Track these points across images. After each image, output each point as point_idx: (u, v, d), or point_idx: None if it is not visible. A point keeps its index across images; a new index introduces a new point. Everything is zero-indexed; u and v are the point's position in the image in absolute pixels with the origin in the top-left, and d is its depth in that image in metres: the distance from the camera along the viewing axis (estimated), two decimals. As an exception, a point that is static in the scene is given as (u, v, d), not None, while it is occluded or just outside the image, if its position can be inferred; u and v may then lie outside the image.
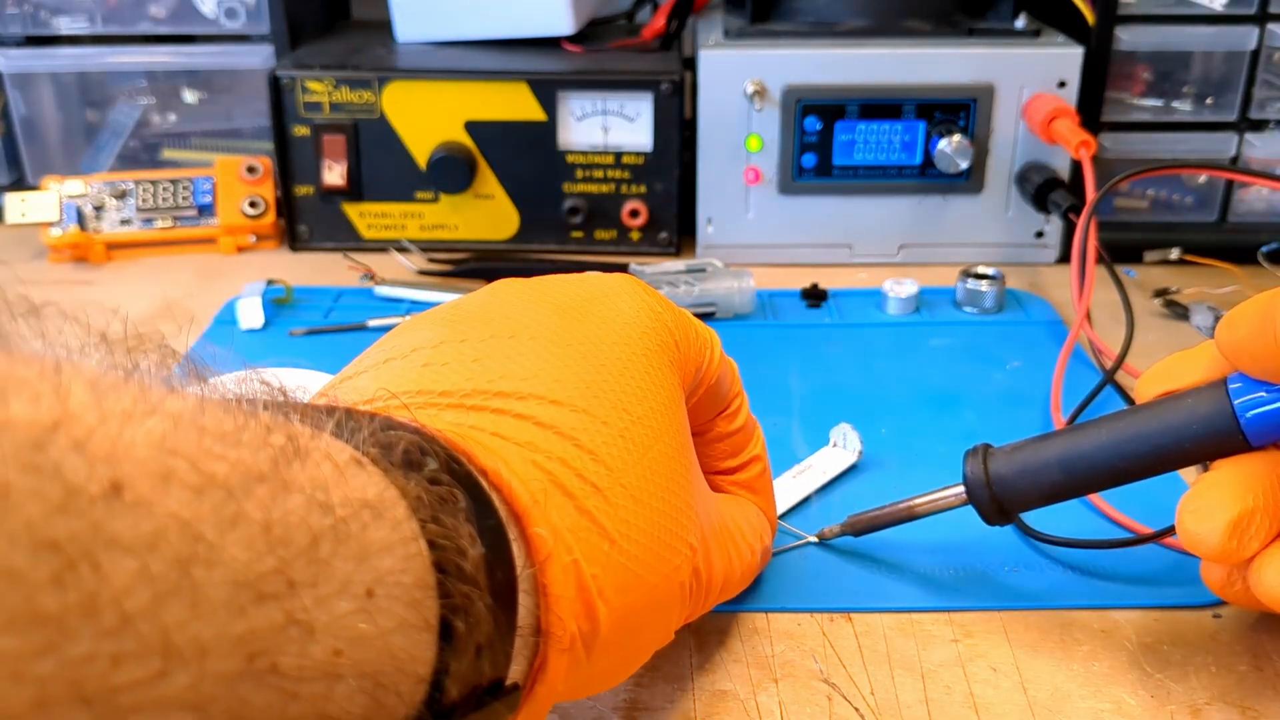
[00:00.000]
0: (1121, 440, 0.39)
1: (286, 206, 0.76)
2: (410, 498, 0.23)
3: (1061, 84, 0.71)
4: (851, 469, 0.51)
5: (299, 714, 0.20)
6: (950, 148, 0.71)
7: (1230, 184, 0.74)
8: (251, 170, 0.77)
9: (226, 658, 0.18)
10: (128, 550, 0.17)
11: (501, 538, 0.26)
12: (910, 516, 0.44)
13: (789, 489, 0.49)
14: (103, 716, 0.17)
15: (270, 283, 0.68)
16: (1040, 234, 0.75)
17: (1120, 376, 0.59)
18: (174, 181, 0.77)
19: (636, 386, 0.32)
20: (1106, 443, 0.39)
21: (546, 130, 0.74)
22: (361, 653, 0.21)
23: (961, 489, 0.41)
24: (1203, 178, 0.74)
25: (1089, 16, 0.71)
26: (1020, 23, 0.73)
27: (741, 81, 0.71)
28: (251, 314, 0.65)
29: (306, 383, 0.49)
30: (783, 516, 0.47)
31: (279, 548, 0.19)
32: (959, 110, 0.71)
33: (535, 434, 0.29)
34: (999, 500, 0.40)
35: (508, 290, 0.35)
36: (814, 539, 0.46)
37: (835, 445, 0.52)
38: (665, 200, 0.75)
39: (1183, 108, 0.74)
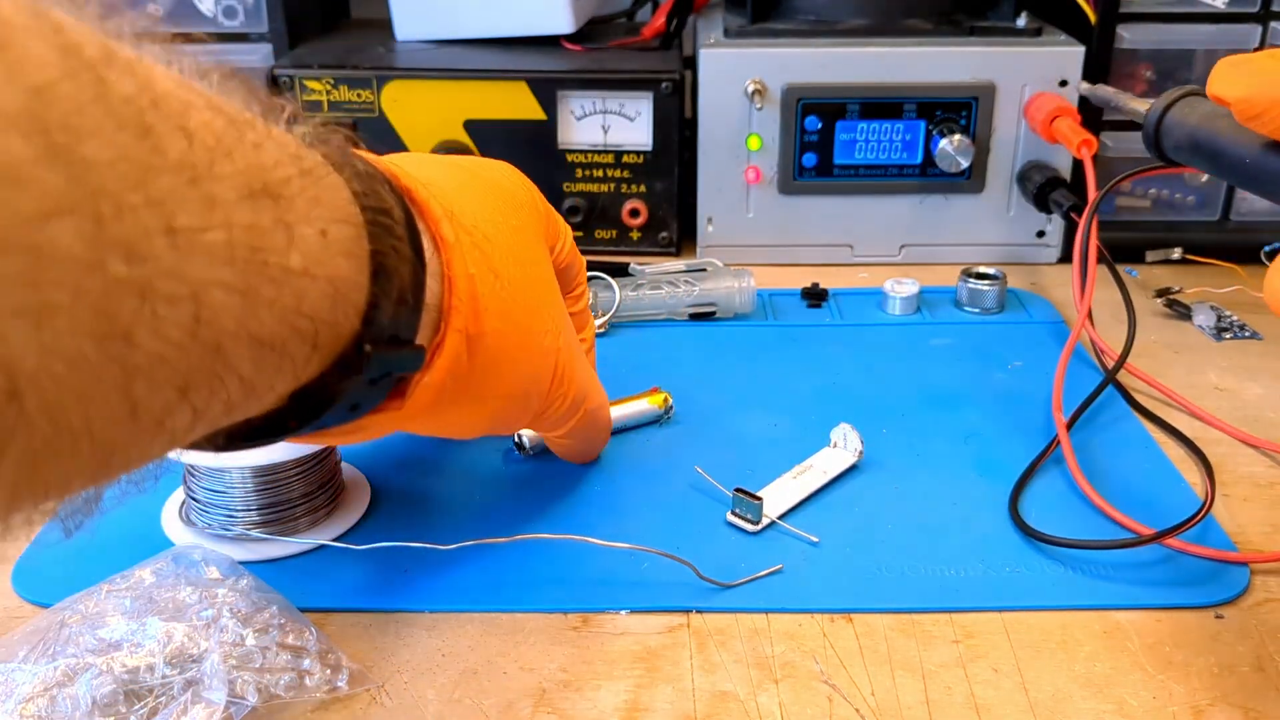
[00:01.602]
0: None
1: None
2: (347, 173, 0.29)
3: (1063, 83, 0.71)
4: (852, 469, 0.51)
5: (286, 304, 0.26)
6: (951, 147, 0.71)
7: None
8: (251, 169, 0.77)
9: (243, 236, 0.24)
10: (182, 132, 0.22)
11: (415, 228, 0.33)
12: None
13: (789, 489, 0.49)
14: (180, 247, 0.22)
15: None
16: (1041, 233, 0.75)
17: (1122, 376, 0.58)
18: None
19: (520, 219, 0.42)
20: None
21: (546, 129, 0.73)
22: (323, 269, 0.27)
23: None
24: (1204, 177, 0.74)
25: (1090, 15, 0.71)
26: (1021, 21, 0.73)
27: (742, 80, 0.71)
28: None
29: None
30: (783, 516, 0.47)
31: (268, 171, 0.25)
32: (960, 109, 0.71)
33: (447, 198, 0.36)
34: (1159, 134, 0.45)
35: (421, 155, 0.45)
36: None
37: (836, 446, 0.52)
38: (665, 200, 0.75)
39: (1184, 107, 0.74)
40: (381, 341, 0.30)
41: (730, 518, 0.47)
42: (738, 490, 0.47)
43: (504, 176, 0.45)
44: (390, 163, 0.35)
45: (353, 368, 0.30)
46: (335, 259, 0.28)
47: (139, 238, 0.21)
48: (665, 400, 0.55)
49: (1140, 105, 0.45)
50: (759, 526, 0.47)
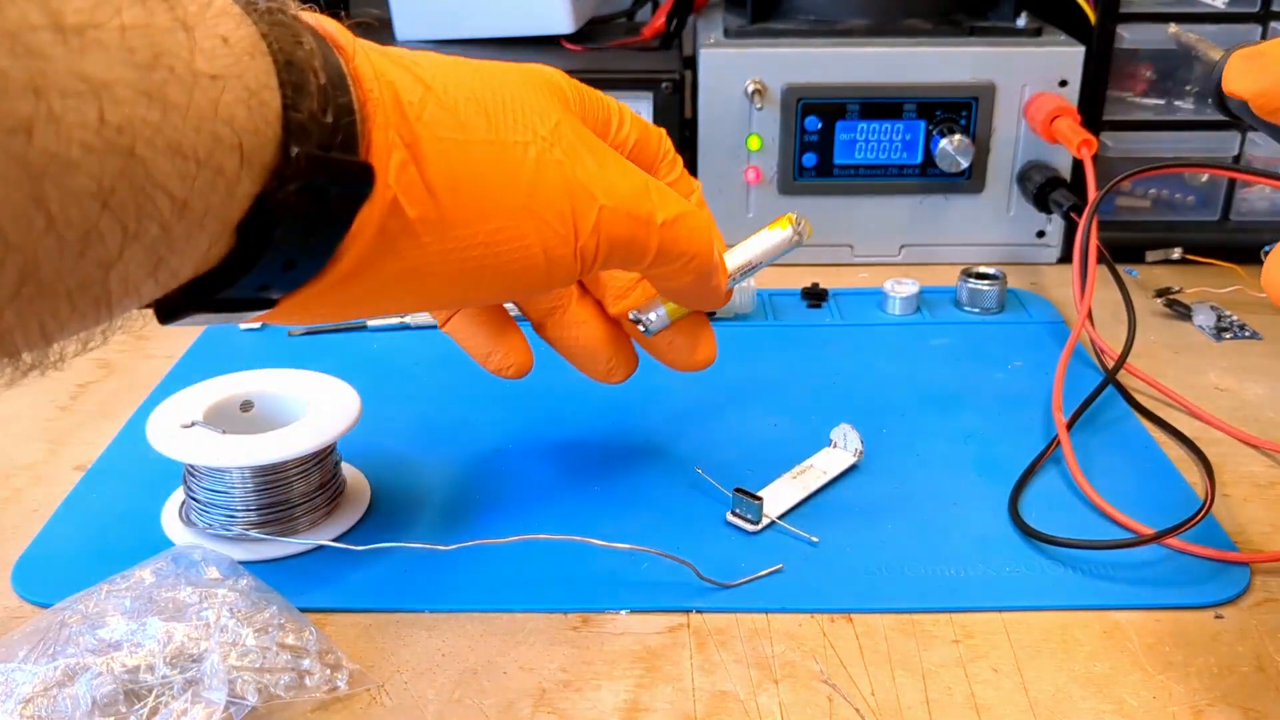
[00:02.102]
0: None
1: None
2: None
3: (1063, 83, 0.71)
4: (852, 469, 0.51)
5: (201, 109, 0.25)
6: (951, 147, 0.71)
7: (1232, 183, 0.74)
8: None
9: (140, 38, 0.24)
10: None
11: (325, 44, 0.31)
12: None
13: (789, 489, 0.49)
14: (72, 45, 0.22)
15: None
16: (1041, 233, 0.75)
17: (1122, 376, 0.58)
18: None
19: (513, 81, 0.38)
20: None
21: (546, 129, 0.73)
22: (232, 71, 0.26)
23: None
24: (1205, 177, 0.74)
25: (1090, 15, 0.71)
26: (1021, 21, 0.73)
27: (742, 80, 0.71)
28: (251, 314, 0.65)
29: (301, 385, 0.49)
30: (782, 516, 0.47)
31: None
32: (960, 109, 0.71)
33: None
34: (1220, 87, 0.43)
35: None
36: (815, 539, 0.46)
37: (835, 446, 0.52)
38: (665, 200, 0.75)
39: (1185, 106, 0.74)
40: (310, 144, 0.29)
41: (730, 518, 0.47)
42: (738, 490, 0.47)
43: (530, 67, 0.42)
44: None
45: (285, 175, 0.28)
46: (241, 60, 0.27)
47: (24, 31, 0.21)
48: (792, 220, 0.46)
49: (1215, 54, 0.44)
50: (759, 526, 0.47)
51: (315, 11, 0.33)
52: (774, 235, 0.46)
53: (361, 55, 0.33)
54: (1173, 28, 0.47)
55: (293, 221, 0.29)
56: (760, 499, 0.47)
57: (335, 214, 0.31)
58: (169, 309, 0.30)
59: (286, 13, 0.30)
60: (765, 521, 0.47)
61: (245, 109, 0.27)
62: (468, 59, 0.39)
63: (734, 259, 0.46)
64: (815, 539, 0.46)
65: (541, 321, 0.47)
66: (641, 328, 0.46)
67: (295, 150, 0.28)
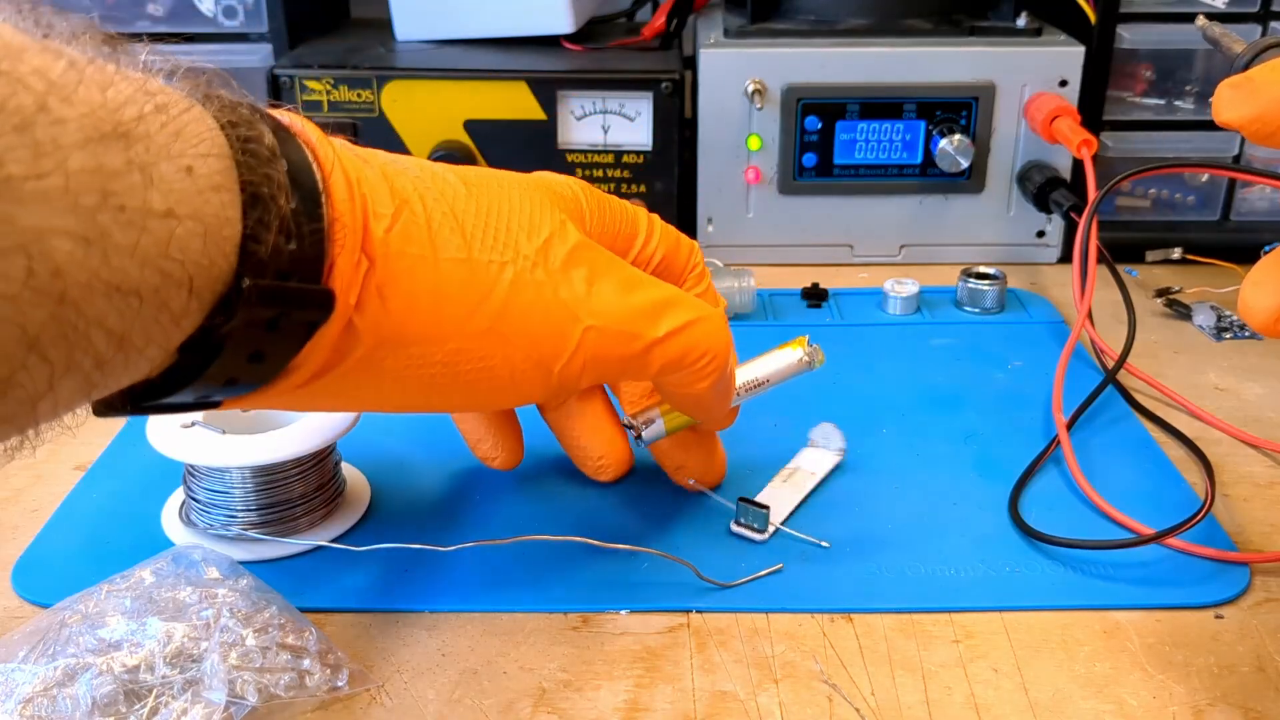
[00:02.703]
0: None
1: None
2: (213, 105, 0.28)
3: (1063, 83, 0.71)
4: (841, 468, 0.51)
5: (148, 249, 0.25)
6: (951, 147, 0.71)
7: (1232, 183, 0.74)
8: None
9: (88, 181, 0.23)
10: (6, 78, 0.22)
11: (304, 160, 0.31)
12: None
13: (785, 493, 0.48)
14: (5, 196, 0.22)
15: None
16: (1041, 233, 0.75)
17: (1122, 376, 0.58)
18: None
19: (512, 197, 0.38)
20: None
21: (546, 129, 0.73)
22: (189, 207, 0.26)
23: None
24: (1205, 177, 0.74)
25: (1090, 15, 0.71)
26: (1021, 21, 0.73)
27: (742, 81, 0.71)
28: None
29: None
30: (784, 522, 0.47)
31: (116, 111, 0.24)
32: (960, 109, 0.71)
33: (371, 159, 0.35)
34: None
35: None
36: (826, 544, 0.46)
37: (816, 445, 0.51)
38: (665, 200, 0.75)
39: (1185, 106, 0.74)
40: (268, 275, 0.29)
41: (735, 528, 0.46)
42: (742, 500, 0.46)
43: (542, 177, 0.41)
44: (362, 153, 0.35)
45: (235, 306, 0.28)
46: (204, 194, 0.27)
47: None
48: (804, 343, 0.46)
49: (1238, 47, 0.44)
50: (766, 535, 0.46)
51: (297, 113, 0.33)
52: (784, 356, 0.46)
53: (338, 171, 0.32)
54: (1201, 20, 0.46)
55: (238, 348, 0.29)
56: (766, 507, 0.46)
57: (287, 337, 0.31)
58: (105, 407, 0.30)
59: (262, 130, 0.29)
60: (771, 530, 0.46)
61: (200, 242, 0.26)
62: (467, 167, 0.38)
63: (741, 375, 0.46)
64: (826, 544, 0.46)
65: (544, 403, 0.47)
66: (632, 435, 0.46)
67: (247, 283, 0.28)
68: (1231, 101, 0.37)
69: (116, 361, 0.26)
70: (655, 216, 0.44)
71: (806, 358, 0.46)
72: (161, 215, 0.25)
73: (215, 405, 0.32)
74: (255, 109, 0.30)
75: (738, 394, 0.45)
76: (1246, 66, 0.47)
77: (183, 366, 0.29)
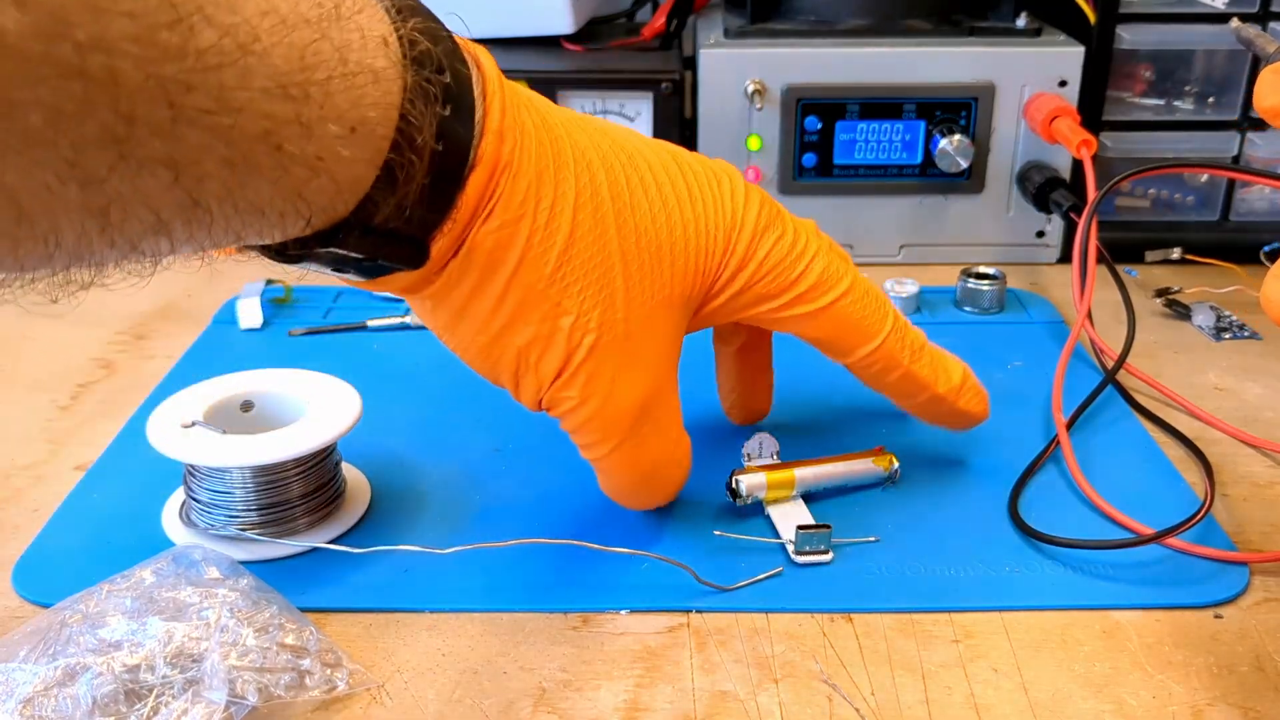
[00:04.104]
0: None
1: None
2: (406, 80, 0.31)
3: (1062, 83, 0.71)
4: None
5: (287, 185, 0.28)
6: (951, 147, 0.71)
7: (1232, 183, 0.74)
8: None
9: (255, 122, 0.26)
10: (215, 27, 0.24)
11: (462, 147, 0.34)
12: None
13: (794, 509, 0.47)
14: (176, 120, 0.24)
15: (269, 282, 0.67)
16: (1041, 233, 0.75)
17: (1121, 376, 0.59)
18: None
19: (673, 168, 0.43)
20: None
21: (546, 130, 0.73)
22: (335, 166, 0.29)
23: None
24: (1204, 177, 0.74)
25: (1090, 15, 0.71)
26: (1021, 21, 0.73)
27: (742, 81, 0.71)
28: (250, 314, 0.65)
29: (301, 385, 0.49)
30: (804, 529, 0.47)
31: (307, 71, 0.27)
32: (960, 109, 0.71)
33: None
34: None
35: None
36: (875, 538, 0.46)
37: (751, 458, 0.50)
38: (665, 200, 0.75)
39: (1184, 107, 0.74)
40: (379, 232, 0.33)
41: (799, 559, 0.45)
42: (801, 528, 0.44)
43: (725, 188, 0.44)
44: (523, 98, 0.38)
45: (335, 241, 0.32)
46: (355, 161, 0.30)
47: (130, 105, 0.23)
48: (891, 462, 0.50)
49: (1270, 47, 0.44)
50: (832, 555, 0.45)
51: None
52: (869, 469, 0.50)
53: (491, 141, 0.36)
54: (1234, 22, 0.46)
55: (329, 260, 0.34)
56: (829, 526, 0.45)
57: (396, 256, 0.35)
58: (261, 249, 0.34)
59: (417, 124, 0.32)
60: (827, 554, 0.45)
61: (332, 190, 0.30)
62: (637, 174, 0.41)
63: (819, 471, 0.49)
64: (875, 538, 0.46)
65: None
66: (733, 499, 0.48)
67: (340, 236, 0.32)
68: (1276, 87, 0.37)
69: (228, 244, 0.30)
70: (848, 276, 0.47)
71: (887, 476, 0.50)
72: (309, 163, 0.28)
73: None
74: (460, 57, 0.35)
75: (805, 481, 0.48)
76: None
77: (301, 246, 0.33)
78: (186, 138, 0.25)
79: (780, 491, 0.47)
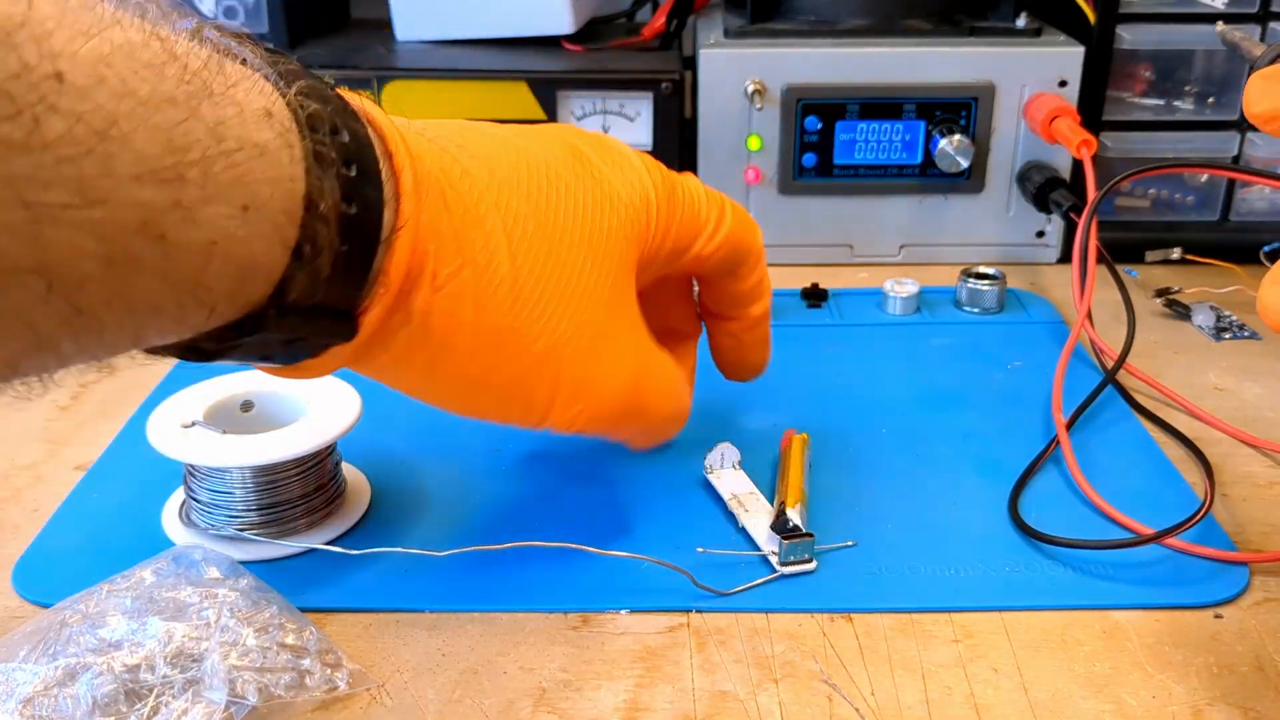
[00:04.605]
0: None
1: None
2: (299, 149, 0.29)
3: (1062, 83, 0.71)
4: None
5: (180, 276, 0.26)
6: (951, 147, 0.71)
7: (1232, 183, 0.74)
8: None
9: (127, 212, 0.24)
10: (63, 115, 0.23)
11: (374, 207, 0.32)
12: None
13: (760, 520, 0.46)
14: (36, 220, 0.23)
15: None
16: (1041, 233, 0.75)
17: (1121, 376, 0.58)
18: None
19: (587, 219, 0.39)
20: None
21: (546, 130, 0.73)
22: (231, 247, 0.27)
23: None
24: (1204, 177, 0.74)
25: (1090, 15, 0.71)
26: (1021, 22, 0.73)
27: (742, 81, 0.71)
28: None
29: (301, 385, 0.49)
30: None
31: (177, 153, 0.25)
32: (960, 109, 0.71)
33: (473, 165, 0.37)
34: None
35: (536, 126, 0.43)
36: (852, 543, 0.46)
37: (712, 469, 0.50)
38: (665, 200, 0.75)
39: (1184, 107, 0.74)
40: (296, 309, 0.31)
41: (785, 570, 0.44)
42: (784, 537, 0.44)
43: (619, 174, 0.42)
44: (409, 129, 0.36)
45: (253, 328, 0.30)
46: (251, 240, 0.28)
47: None
48: (805, 439, 0.51)
49: (1257, 50, 0.44)
50: (815, 563, 0.44)
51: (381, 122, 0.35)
52: (805, 451, 0.50)
53: (410, 227, 0.34)
54: (1220, 26, 0.46)
55: (256, 346, 0.32)
56: (812, 535, 0.44)
57: (310, 346, 0.34)
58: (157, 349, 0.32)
59: (321, 198, 0.30)
60: (811, 563, 0.44)
61: (235, 274, 0.28)
62: (547, 180, 0.39)
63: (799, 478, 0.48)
64: (852, 543, 0.46)
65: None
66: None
67: (271, 313, 0.30)
68: (1266, 93, 0.36)
69: (126, 347, 0.28)
70: (727, 205, 0.46)
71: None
72: (199, 250, 0.26)
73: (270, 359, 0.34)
74: (355, 120, 0.32)
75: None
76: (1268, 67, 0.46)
77: (208, 345, 0.31)
78: (53, 240, 0.23)
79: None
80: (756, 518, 0.46)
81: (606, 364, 0.40)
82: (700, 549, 0.45)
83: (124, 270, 0.25)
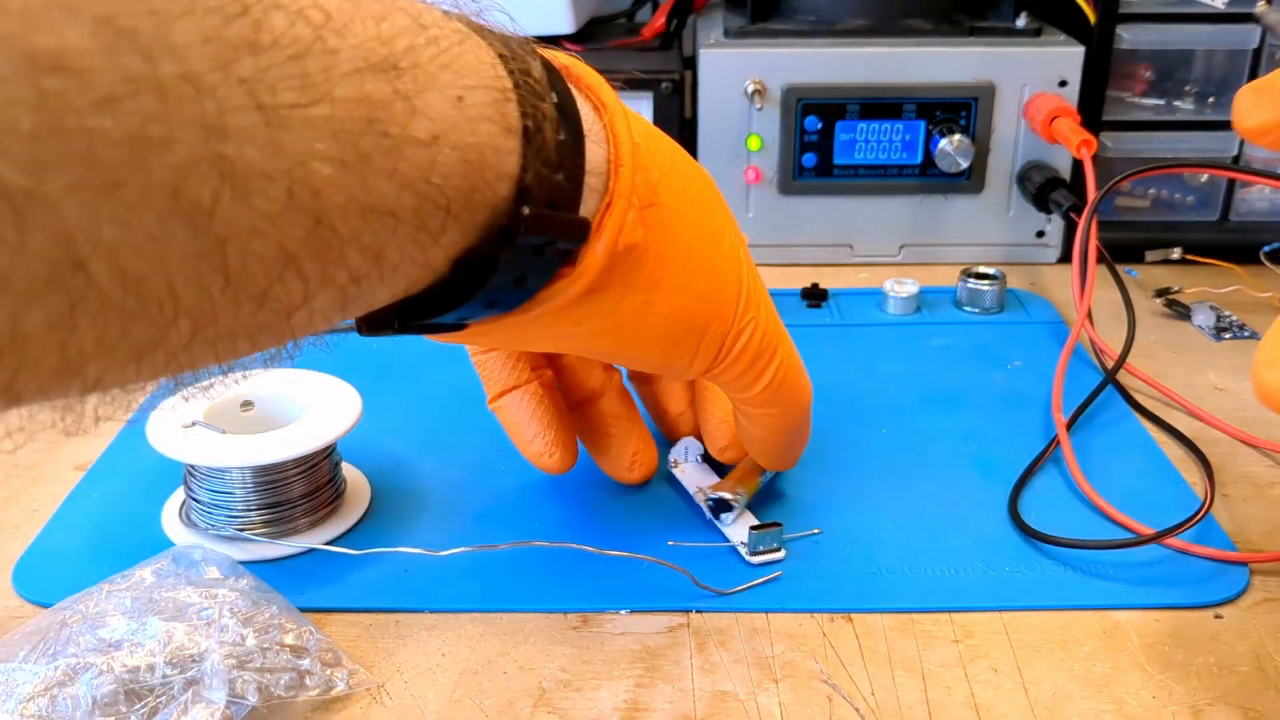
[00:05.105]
0: None
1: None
2: (490, 37, 0.30)
3: (1063, 83, 0.71)
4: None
5: (410, 174, 0.26)
6: (951, 147, 0.71)
7: (1232, 183, 0.74)
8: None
9: (352, 109, 0.24)
10: (285, 11, 0.23)
11: (567, 93, 0.32)
12: None
13: (739, 526, 0.46)
14: (269, 124, 0.22)
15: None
16: (1041, 233, 0.75)
17: (1121, 376, 0.58)
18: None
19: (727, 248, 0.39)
20: None
21: (546, 129, 0.73)
22: (457, 136, 0.27)
23: None
24: (1204, 177, 0.74)
25: (1090, 15, 0.71)
26: (1021, 22, 0.73)
27: (742, 81, 0.71)
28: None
29: (301, 385, 0.49)
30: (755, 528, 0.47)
31: (388, 44, 0.25)
32: (960, 109, 0.71)
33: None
34: None
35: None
36: (817, 530, 0.46)
37: (678, 464, 0.50)
38: (665, 200, 0.75)
39: (1184, 107, 0.74)
40: (538, 204, 0.30)
41: (756, 560, 0.44)
42: (753, 529, 0.44)
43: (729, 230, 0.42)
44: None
45: (511, 232, 0.29)
46: (473, 124, 0.27)
47: (219, 115, 0.21)
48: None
49: None
50: (784, 553, 0.45)
51: (577, 59, 0.35)
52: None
53: (620, 117, 0.34)
54: (1260, 6, 0.46)
55: (508, 270, 0.30)
56: (779, 524, 0.45)
57: (548, 263, 0.32)
58: (370, 327, 0.32)
59: (532, 64, 0.30)
60: (780, 552, 0.45)
61: (463, 169, 0.27)
62: (695, 169, 0.39)
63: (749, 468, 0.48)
64: (817, 530, 0.46)
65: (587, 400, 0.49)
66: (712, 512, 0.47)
67: (527, 211, 0.29)
68: (1255, 107, 0.35)
69: (372, 277, 0.27)
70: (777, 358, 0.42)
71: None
72: (425, 142, 0.26)
73: (463, 328, 0.33)
74: (526, 44, 0.32)
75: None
76: None
77: (454, 285, 0.30)
78: (284, 144, 0.22)
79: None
80: (741, 519, 0.47)
81: (763, 292, 0.41)
82: (671, 542, 0.45)
83: (357, 172, 0.24)
